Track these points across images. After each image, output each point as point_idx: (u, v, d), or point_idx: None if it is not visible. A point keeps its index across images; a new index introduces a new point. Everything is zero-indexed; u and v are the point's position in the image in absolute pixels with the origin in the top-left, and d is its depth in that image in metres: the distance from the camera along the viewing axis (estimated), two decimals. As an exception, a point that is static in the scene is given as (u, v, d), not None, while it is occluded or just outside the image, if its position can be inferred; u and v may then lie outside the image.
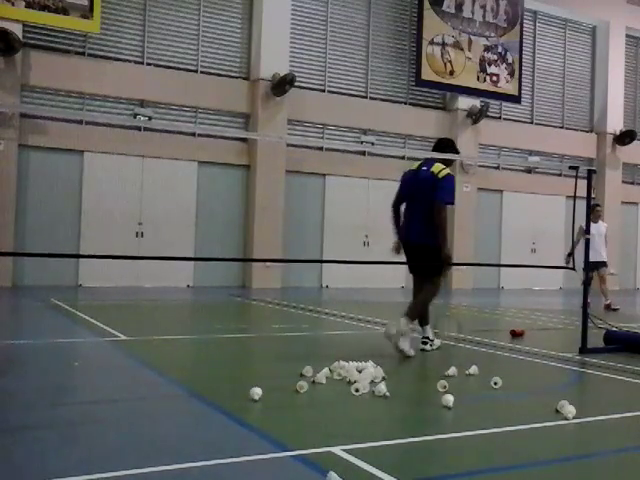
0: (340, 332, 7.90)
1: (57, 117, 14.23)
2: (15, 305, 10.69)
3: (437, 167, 6.35)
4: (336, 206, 17.26)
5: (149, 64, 15.44)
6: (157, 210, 15.21)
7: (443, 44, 18.38)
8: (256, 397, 3.96)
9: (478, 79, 18.91)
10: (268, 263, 15.64)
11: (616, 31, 21.52)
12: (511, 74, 19.42)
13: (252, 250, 15.77)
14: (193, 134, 15.72)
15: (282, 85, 15.84)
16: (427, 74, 18.13)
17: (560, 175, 20.67)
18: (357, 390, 4.25)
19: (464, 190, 18.10)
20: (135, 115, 15.17)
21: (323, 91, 17.40)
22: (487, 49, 19.10)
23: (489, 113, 19.13)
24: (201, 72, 15.97)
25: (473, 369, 5.07)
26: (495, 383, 4.60)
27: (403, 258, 6.55)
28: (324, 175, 17.19)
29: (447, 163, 6.51)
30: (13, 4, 13.49)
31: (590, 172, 6.52)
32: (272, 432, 3.35)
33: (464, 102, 18.77)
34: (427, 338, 6.34)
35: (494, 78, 19.16)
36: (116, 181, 14.78)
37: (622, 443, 3.49)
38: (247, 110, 16.24)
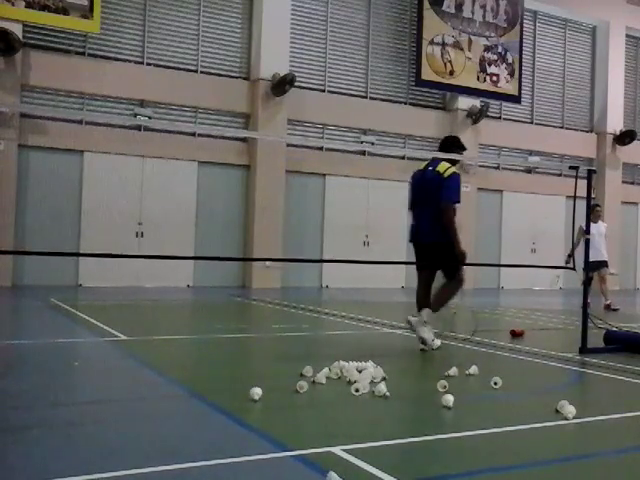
0: (340, 332, 7.90)
1: (57, 117, 14.24)
2: (15, 305, 10.69)
3: (442, 166, 6.37)
4: (336, 206, 17.26)
5: (149, 64, 15.44)
6: (157, 210, 15.21)
7: (443, 44, 18.38)
8: (256, 397, 3.95)
9: (478, 79, 18.91)
10: (268, 263, 15.64)
11: (616, 31, 21.52)
12: (511, 74, 19.43)
13: (252, 250, 15.77)
14: (193, 134, 15.72)
15: (282, 85, 15.84)
16: (427, 74, 18.13)
17: (560, 175, 20.68)
18: (357, 390, 4.25)
19: (464, 190, 17.91)
20: (135, 115, 15.17)
21: (323, 91, 17.40)
22: (487, 49, 19.10)
23: (489, 113, 19.14)
24: (201, 72, 15.97)
25: (473, 369, 5.07)
26: (495, 383, 4.60)
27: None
28: (324, 175, 17.19)
29: (453, 162, 6.52)
30: (13, 4, 13.49)
31: (590, 172, 6.52)
32: (272, 432, 3.35)
33: (464, 102, 18.78)
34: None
35: (494, 78, 19.16)
36: (116, 181, 14.79)
37: (622, 443, 3.49)
38: (247, 110, 16.24)
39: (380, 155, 17.89)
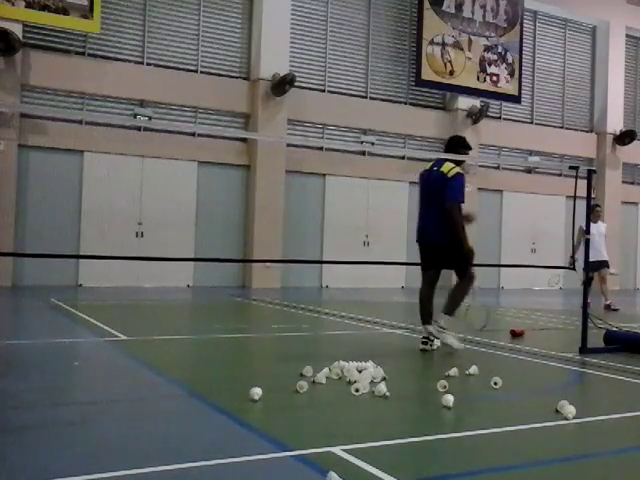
0: (340, 332, 7.90)
1: (57, 117, 14.24)
2: (15, 305, 10.69)
3: (447, 167, 6.41)
4: (336, 206, 17.25)
5: (149, 64, 15.44)
6: (157, 210, 15.21)
7: (443, 44, 18.38)
8: (256, 397, 3.96)
9: (478, 79, 18.91)
10: (268, 263, 15.64)
11: (616, 31, 21.52)
12: (511, 74, 19.43)
13: (252, 250, 15.77)
14: (193, 134, 15.72)
15: (282, 85, 15.84)
16: (427, 74, 18.13)
17: (560, 175, 20.68)
18: (357, 390, 4.25)
19: (465, 190, 18.07)
20: (135, 115, 15.17)
21: (323, 91, 17.40)
22: (487, 49, 19.10)
23: (489, 113, 19.14)
24: (201, 72, 15.97)
25: (473, 369, 5.07)
26: (495, 383, 4.60)
27: None
28: (324, 175, 17.19)
29: (458, 162, 6.56)
30: (13, 4, 13.49)
31: (590, 172, 6.52)
32: (272, 432, 3.35)
33: (464, 102, 18.77)
34: (427, 338, 6.34)
35: (494, 78, 19.16)
36: (116, 181, 14.79)
37: (622, 443, 3.49)
38: (247, 110, 16.24)
39: (380, 155, 17.89)
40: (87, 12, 14.14)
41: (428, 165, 6.72)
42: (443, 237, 6.30)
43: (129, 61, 15.28)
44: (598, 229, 11.76)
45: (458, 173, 6.37)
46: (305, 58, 17.18)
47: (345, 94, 17.68)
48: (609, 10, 21.31)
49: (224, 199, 16.07)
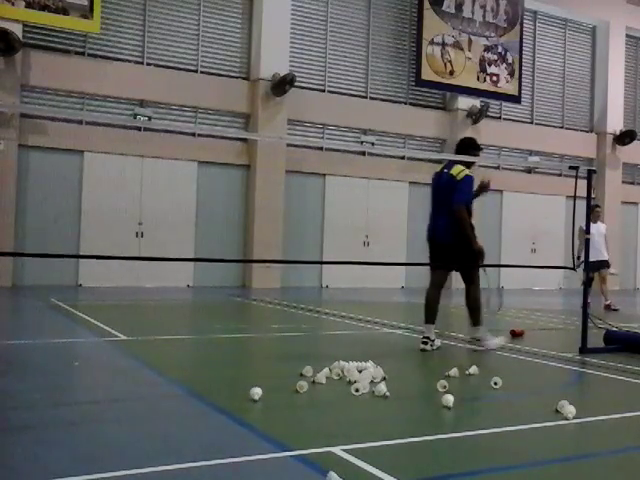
0: (340, 332, 7.90)
1: (57, 117, 14.24)
2: (15, 305, 10.69)
3: (456, 169, 6.50)
4: (336, 206, 17.25)
5: (149, 64, 15.44)
6: (157, 210, 15.21)
7: (443, 44, 18.38)
8: (256, 397, 3.96)
9: (478, 79, 18.91)
10: (268, 263, 15.64)
11: (616, 31, 21.52)
12: (511, 74, 19.43)
13: (252, 250, 15.77)
14: (193, 134, 15.72)
15: (282, 85, 15.84)
16: (427, 74, 18.13)
17: (560, 175, 20.68)
18: (357, 390, 4.25)
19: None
20: (135, 115, 15.17)
21: (323, 91, 17.40)
22: (487, 49, 19.10)
23: (489, 113, 19.14)
24: (201, 72, 15.97)
25: (473, 369, 5.07)
26: (495, 383, 4.60)
27: None
28: (324, 175, 17.19)
29: (468, 164, 6.64)
30: (13, 4, 13.49)
31: (590, 172, 6.53)
32: (272, 432, 3.35)
33: (464, 102, 18.77)
34: (428, 338, 6.35)
35: (494, 78, 19.16)
36: (116, 181, 14.79)
37: (622, 443, 3.49)
38: (247, 110, 16.24)
39: (380, 155, 17.89)
40: (87, 12, 14.14)
41: (439, 167, 6.83)
42: (453, 237, 6.40)
43: (129, 61, 15.28)
44: (598, 229, 11.76)
45: (467, 175, 6.46)
46: (305, 58, 17.18)
47: (345, 94, 17.68)
48: (609, 10, 21.31)
49: (224, 199, 16.07)
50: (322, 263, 17.66)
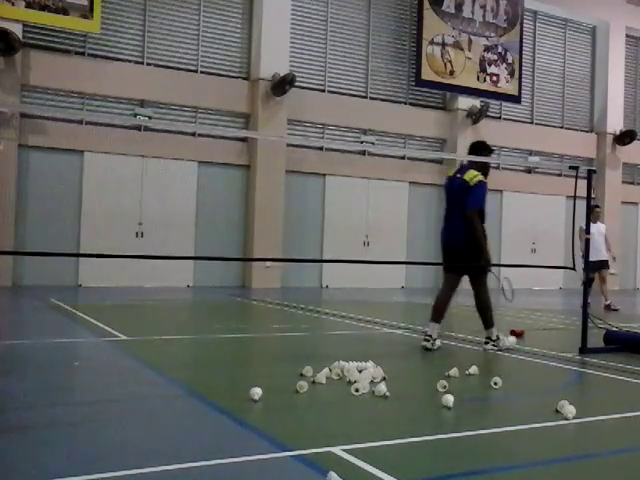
0: (340, 332, 7.90)
1: (57, 117, 14.23)
2: (15, 305, 10.69)
3: (470, 174, 6.51)
4: (336, 206, 17.25)
5: (149, 64, 15.44)
6: (157, 210, 15.21)
7: (443, 44, 18.38)
8: (256, 397, 3.96)
9: (478, 79, 18.91)
10: (268, 263, 15.64)
11: (616, 31, 21.52)
12: (511, 74, 19.42)
13: (252, 250, 15.77)
14: (193, 134, 15.72)
15: (282, 85, 15.84)
16: (427, 74, 18.13)
17: (560, 175, 20.68)
18: (357, 390, 4.25)
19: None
20: (135, 115, 15.17)
21: (323, 91, 17.40)
22: (487, 49, 19.10)
23: (489, 113, 19.14)
24: (201, 72, 15.97)
25: (473, 369, 5.07)
26: (495, 383, 4.60)
27: None
28: (324, 175, 17.19)
29: (485, 170, 6.64)
30: (13, 4, 13.49)
31: (590, 172, 6.53)
32: (272, 432, 3.35)
33: (464, 102, 18.77)
34: (430, 336, 6.36)
35: (494, 78, 19.16)
36: (116, 181, 14.79)
37: (622, 443, 3.49)
38: (247, 110, 16.24)
39: (380, 155, 17.89)
40: (87, 12, 14.14)
41: (451, 171, 6.84)
42: (466, 241, 6.43)
43: (129, 61, 15.28)
44: (598, 229, 11.77)
45: (480, 181, 6.47)
46: (305, 58, 17.18)
47: (345, 94, 17.68)
48: (609, 10, 21.31)
49: (224, 199, 16.07)
50: (322, 262, 17.66)
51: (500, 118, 20.04)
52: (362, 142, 17.88)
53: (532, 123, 20.63)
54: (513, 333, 7.60)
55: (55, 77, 14.22)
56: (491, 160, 7.28)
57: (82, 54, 14.76)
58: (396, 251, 17.51)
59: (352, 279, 16.71)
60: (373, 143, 17.84)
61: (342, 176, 17.31)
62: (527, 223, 19.89)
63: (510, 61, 19.42)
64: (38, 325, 7.89)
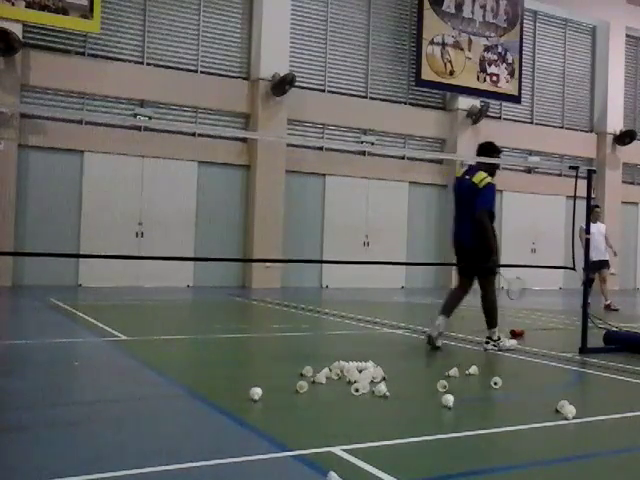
0: (340, 332, 7.90)
1: (57, 117, 14.23)
2: (15, 305, 10.69)
3: (479, 176, 6.53)
4: (336, 206, 17.25)
5: (149, 64, 15.44)
6: (157, 210, 15.21)
7: (443, 44, 18.38)
8: (256, 397, 3.96)
9: (478, 79, 18.91)
10: (268, 263, 15.64)
11: (616, 31, 21.52)
12: (511, 74, 19.42)
13: (252, 250, 15.77)
14: (193, 134, 15.72)
15: (282, 85, 15.84)
16: (427, 74, 18.13)
17: (560, 175, 20.67)
18: (357, 390, 4.25)
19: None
20: (135, 115, 15.17)
21: (323, 91, 17.40)
22: (487, 49, 19.10)
23: (489, 113, 19.14)
24: (201, 72, 15.97)
25: (473, 369, 5.07)
26: (495, 383, 4.60)
27: None
28: (324, 175, 17.19)
29: (492, 171, 6.65)
30: (13, 4, 13.48)
31: (590, 172, 6.53)
32: (272, 432, 3.35)
33: (464, 102, 18.77)
34: (437, 327, 6.42)
35: (494, 78, 19.16)
36: (116, 181, 14.78)
37: (622, 443, 3.49)
38: (247, 110, 16.24)
39: (380, 155, 17.89)
40: (87, 12, 14.13)
41: (460, 172, 6.85)
42: (476, 241, 6.46)
43: (129, 61, 15.28)
44: (598, 229, 11.77)
45: (489, 183, 6.50)
46: (305, 58, 17.18)
47: (345, 94, 17.68)
48: (609, 10, 21.31)
49: (224, 199, 16.06)
50: (322, 262, 17.66)
51: (500, 118, 20.04)
52: (362, 142, 17.88)
53: (532, 123, 20.63)
54: (513, 333, 7.60)
55: (55, 77, 14.22)
56: (500, 161, 7.30)
57: (82, 54, 14.76)
58: (396, 251, 17.50)
59: (352, 279, 16.71)
60: (373, 143, 17.84)
61: (342, 176, 17.31)
62: (527, 223, 19.89)
63: (510, 61, 19.41)
64: (38, 325, 7.89)
